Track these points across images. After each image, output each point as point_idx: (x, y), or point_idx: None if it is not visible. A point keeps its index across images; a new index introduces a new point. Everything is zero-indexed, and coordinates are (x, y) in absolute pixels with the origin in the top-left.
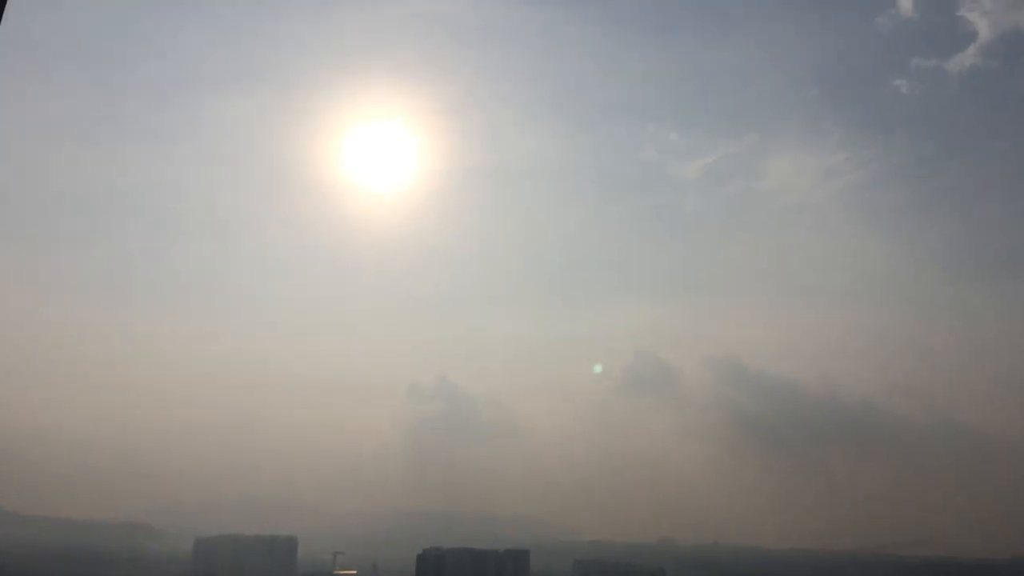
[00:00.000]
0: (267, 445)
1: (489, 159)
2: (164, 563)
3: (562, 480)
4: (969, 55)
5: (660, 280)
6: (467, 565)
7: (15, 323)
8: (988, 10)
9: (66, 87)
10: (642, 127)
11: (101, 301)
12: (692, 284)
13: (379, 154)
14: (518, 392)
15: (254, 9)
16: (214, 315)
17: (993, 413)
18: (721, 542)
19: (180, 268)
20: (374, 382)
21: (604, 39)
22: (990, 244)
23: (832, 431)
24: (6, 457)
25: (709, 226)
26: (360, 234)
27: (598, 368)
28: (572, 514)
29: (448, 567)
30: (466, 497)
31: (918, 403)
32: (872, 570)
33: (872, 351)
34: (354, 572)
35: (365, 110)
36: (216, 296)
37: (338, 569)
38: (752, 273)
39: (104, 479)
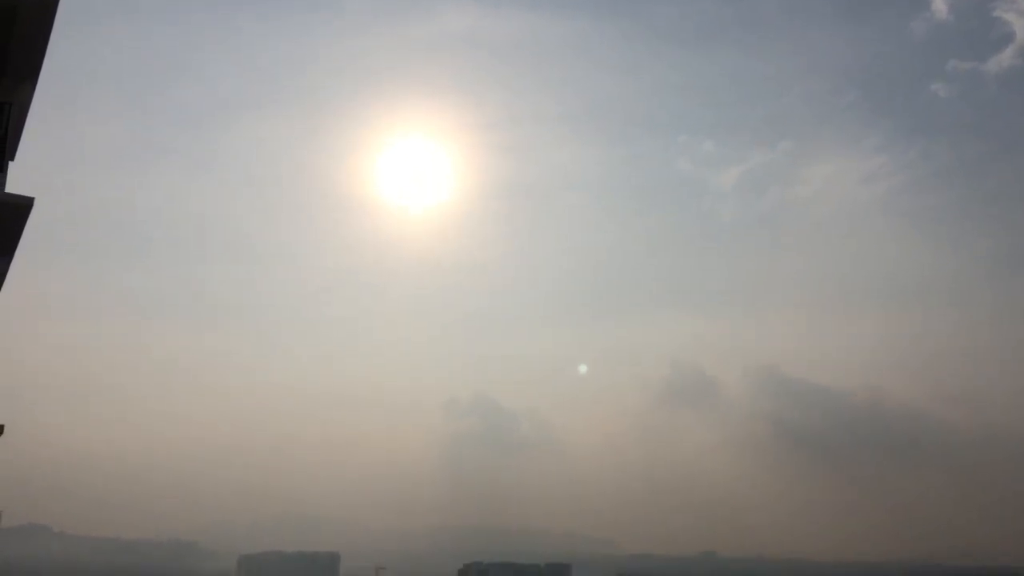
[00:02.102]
0: (308, 463)
1: (524, 174)
2: None
3: (602, 493)
4: (1007, 56)
5: (698, 291)
6: None
7: (60, 346)
8: None
9: (99, 111)
10: (676, 138)
11: (138, 322)
12: (730, 294)
13: (413, 172)
14: (557, 406)
15: (285, 31)
16: (253, 337)
17: None
18: (765, 555)
19: (217, 288)
20: (412, 399)
21: (637, 51)
22: None
23: (877, 440)
24: (56, 479)
25: (746, 235)
26: (396, 252)
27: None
28: (612, 527)
29: None
30: (506, 512)
31: (965, 410)
32: None
33: (916, 358)
34: None
35: (398, 128)
36: (255, 318)
37: None
38: (791, 281)
39: (151, 499)
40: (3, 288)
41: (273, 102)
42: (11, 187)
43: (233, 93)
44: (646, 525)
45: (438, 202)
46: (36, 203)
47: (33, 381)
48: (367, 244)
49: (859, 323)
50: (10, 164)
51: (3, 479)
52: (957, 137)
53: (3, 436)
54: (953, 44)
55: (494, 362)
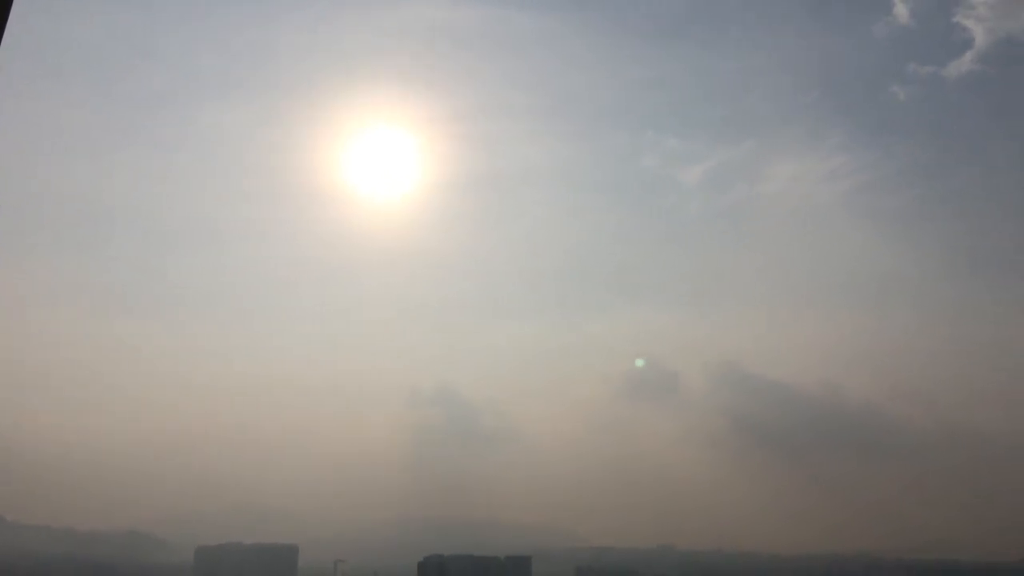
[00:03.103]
0: (267, 453)
1: (490, 166)
2: (167, 573)
3: (564, 486)
4: (966, 61)
5: (662, 285)
6: (469, 572)
7: (15, 332)
8: (983, 17)
9: (63, 94)
10: (642, 133)
11: (100, 310)
12: (694, 289)
13: (380, 161)
14: (519, 398)
15: (253, 16)
16: (214, 323)
17: (995, 415)
18: (723, 548)
19: (179, 276)
20: (375, 389)
21: (605, 45)
22: (990, 246)
23: (835, 435)
24: (8, 467)
25: (711, 231)
26: (361, 241)
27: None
28: (574, 520)
29: (450, 574)
30: (467, 504)
31: (920, 406)
32: (876, 573)
33: (874, 355)
34: None
35: (365, 117)
36: (216, 304)
37: None
38: (754, 277)
39: (106, 489)
40: None
41: (240, 89)
42: None
43: (200, 79)
44: (607, 518)
45: (404, 192)
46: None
47: None
48: (332, 233)
49: (819, 320)
50: None
51: None
52: (916, 139)
53: None
54: (913, 48)
55: (458, 353)
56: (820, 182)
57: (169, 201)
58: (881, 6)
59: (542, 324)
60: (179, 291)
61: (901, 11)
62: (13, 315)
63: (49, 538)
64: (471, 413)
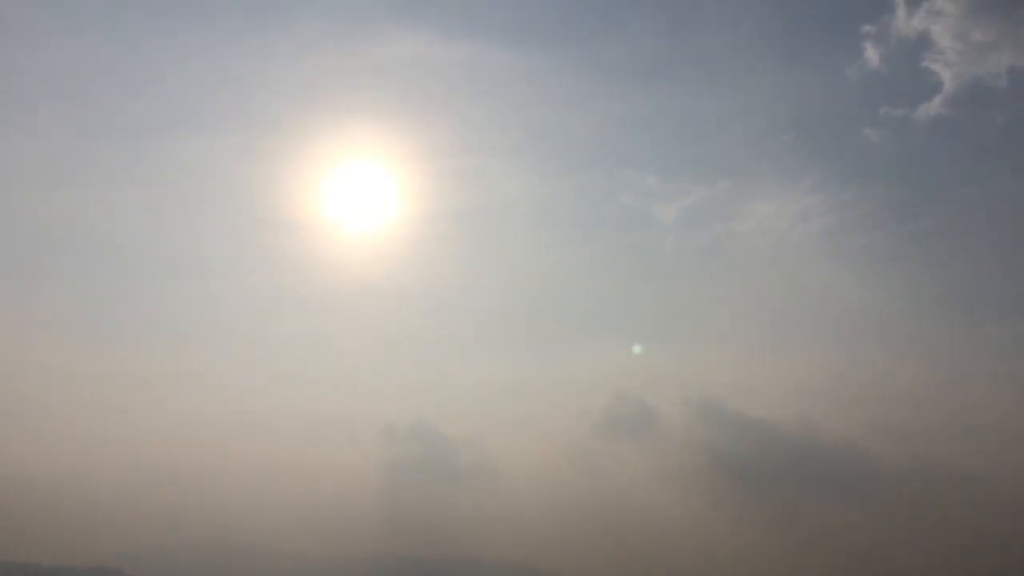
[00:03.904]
0: (238, 489)
1: (467, 202)
2: None
3: (542, 523)
4: (935, 105)
5: (639, 322)
6: None
7: None
8: (952, 62)
9: (40, 124)
10: (621, 172)
11: (72, 342)
12: (671, 326)
13: (357, 197)
14: (496, 434)
15: (234, 49)
16: (187, 355)
17: (965, 449)
18: None
19: (152, 307)
20: (349, 423)
21: (584, 83)
22: (960, 285)
23: (811, 472)
24: None
25: (687, 268)
26: (337, 275)
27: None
28: (553, 558)
29: None
30: (445, 541)
31: (894, 442)
32: None
33: (848, 392)
34: None
35: (345, 151)
36: (189, 336)
37: None
38: (730, 314)
39: (72, 523)
40: None
41: (219, 122)
42: None
43: (180, 111)
44: (587, 555)
45: (382, 227)
46: None
47: None
48: (308, 265)
49: (795, 356)
50: None
51: None
52: (888, 180)
53: None
54: (885, 91)
55: (434, 389)
56: (795, 221)
57: (145, 232)
58: (852, 51)
59: (519, 359)
60: (151, 322)
61: (872, 55)
62: None
63: (12, 574)
64: (447, 449)
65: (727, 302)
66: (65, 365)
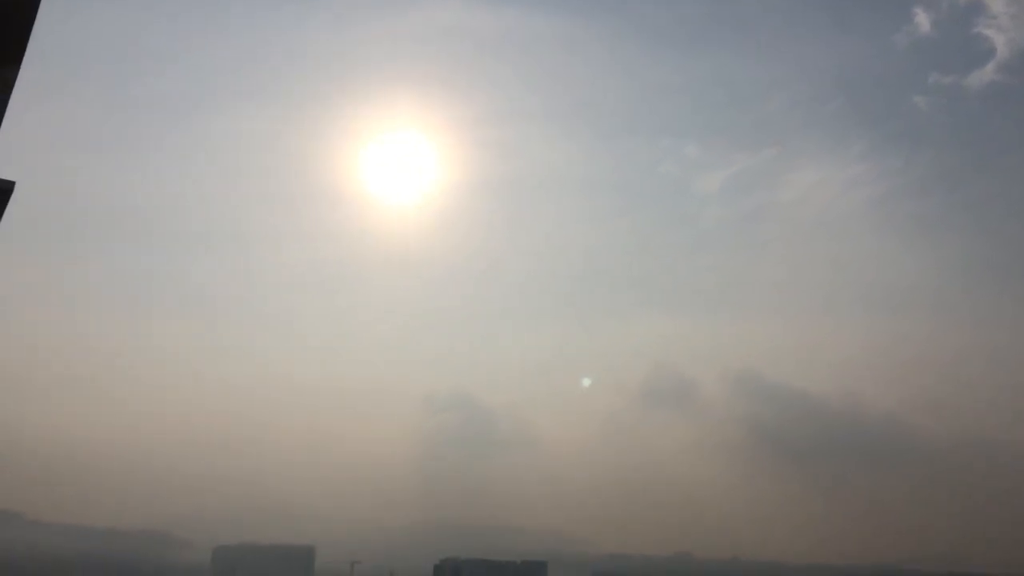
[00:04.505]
0: (284, 456)
1: (506, 171)
2: (184, 571)
3: (579, 492)
4: (988, 72)
5: (679, 293)
6: None
7: (37, 335)
8: (1005, 27)
9: (83, 97)
10: (660, 139)
11: (119, 313)
12: (711, 297)
13: (396, 166)
14: (535, 404)
15: (271, 22)
16: (232, 326)
17: (1015, 426)
18: (740, 557)
19: (198, 281)
20: (390, 393)
21: (625, 51)
22: (1010, 255)
23: (854, 445)
24: (28, 466)
25: (729, 238)
26: (377, 245)
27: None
28: (589, 526)
29: None
30: (482, 508)
31: (940, 416)
32: None
33: (894, 364)
34: None
35: (383, 121)
36: (233, 306)
37: None
38: (773, 285)
39: (124, 488)
40: None
41: (259, 94)
42: None
43: (219, 84)
44: (622, 525)
45: (421, 197)
46: (17, 188)
47: (6, 370)
48: (348, 236)
49: (838, 328)
50: None
51: None
52: (938, 148)
53: None
54: (935, 57)
55: (473, 359)
56: (841, 190)
57: (186, 205)
58: (902, 16)
59: (557, 330)
60: (197, 294)
61: (922, 20)
62: (36, 319)
63: (67, 536)
64: (486, 418)
65: (770, 272)
66: (114, 337)
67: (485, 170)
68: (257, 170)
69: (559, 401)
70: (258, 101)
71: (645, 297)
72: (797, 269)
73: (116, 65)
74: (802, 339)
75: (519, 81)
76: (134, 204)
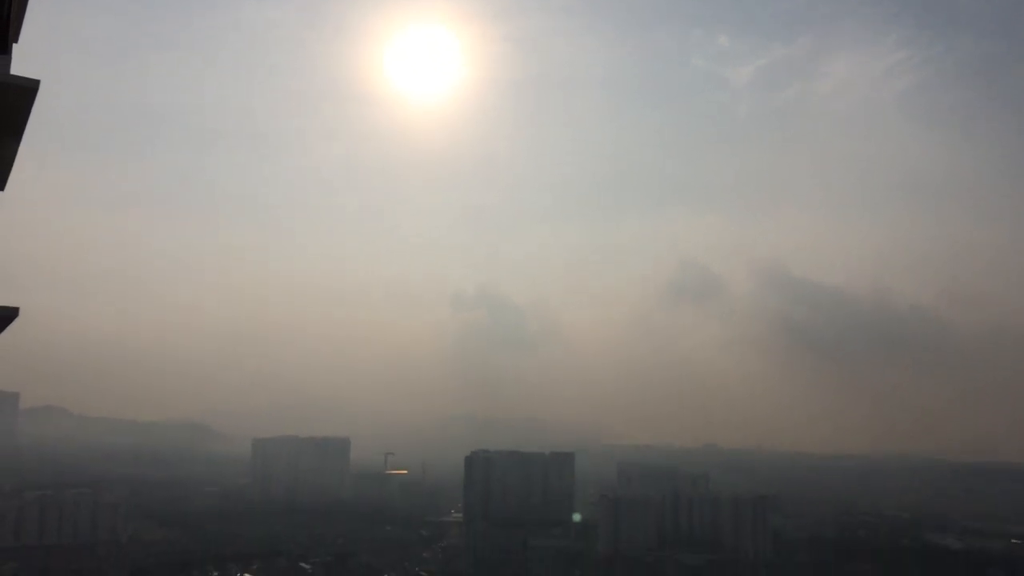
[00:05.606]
0: (318, 351)
1: (532, 67)
2: (224, 463)
3: (607, 386)
4: None
5: (708, 188)
6: (514, 467)
7: (72, 236)
8: None
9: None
10: (690, 31)
11: (153, 215)
12: (741, 192)
13: (421, 63)
14: (561, 300)
15: None
16: (260, 225)
17: None
18: (764, 447)
19: (228, 181)
20: (419, 290)
21: None
22: None
23: (883, 339)
24: (73, 363)
25: (760, 132)
26: (404, 144)
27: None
28: (617, 419)
29: (496, 469)
30: (512, 402)
31: (972, 310)
32: (919, 474)
33: (927, 258)
34: (405, 471)
35: (407, 15)
36: (261, 206)
37: (389, 469)
38: (805, 179)
39: (165, 384)
40: (11, 176)
41: None
42: (15, 70)
43: None
44: (649, 417)
45: (446, 94)
46: (41, 88)
47: (47, 269)
48: (376, 136)
49: (872, 222)
50: (14, 47)
51: (20, 363)
52: (981, 33)
53: (19, 321)
54: None
55: (501, 256)
56: (878, 80)
57: (209, 104)
58: None
59: (584, 227)
60: (225, 193)
61: None
62: (65, 217)
63: (111, 429)
64: (514, 315)
65: (802, 167)
66: (152, 238)
67: (511, 66)
68: (278, 68)
69: (586, 298)
70: None
71: (673, 194)
72: (830, 162)
73: None
74: (834, 234)
75: None
76: (156, 104)
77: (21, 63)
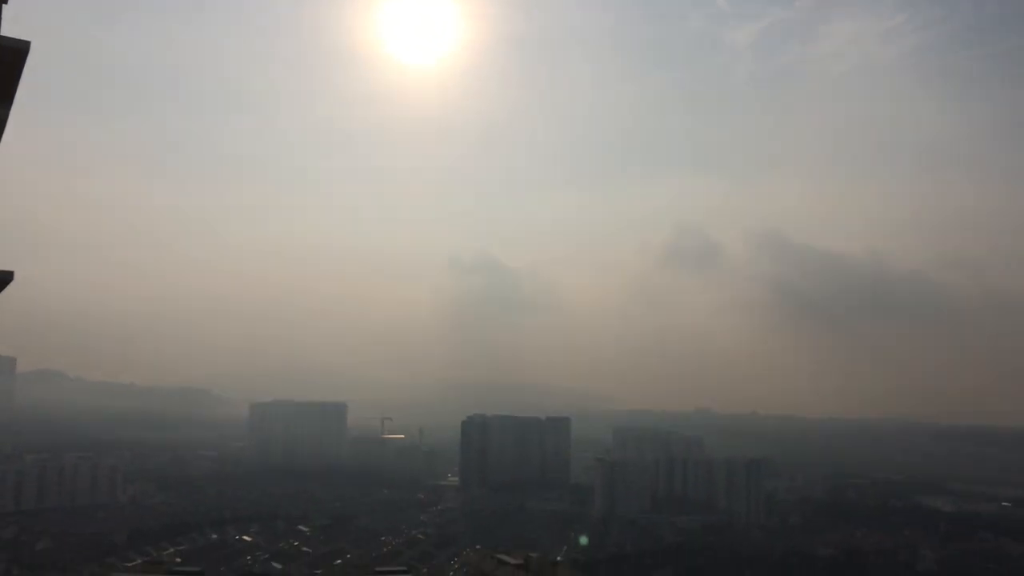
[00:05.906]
0: (315, 317)
1: (529, 27)
2: (223, 426)
3: (603, 351)
4: None
5: (705, 152)
6: (511, 431)
7: (66, 198)
8: None
9: None
10: None
11: (146, 177)
12: (738, 156)
13: (415, 24)
14: (558, 266)
15: None
16: (260, 189)
17: None
18: (759, 411)
19: (221, 142)
20: (415, 255)
21: None
22: None
23: (878, 303)
24: (70, 327)
25: (759, 95)
26: (398, 107)
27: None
28: (612, 384)
29: (492, 433)
30: (508, 367)
31: (968, 274)
32: (912, 437)
33: (924, 222)
34: (401, 436)
35: None
36: (255, 170)
37: (386, 433)
38: (803, 143)
39: (164, 348)
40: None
41: None
42: (5, 30)
43: None
44: (645, 382)
45: (441, 56)
46: (31, 48)
47: (41, 232)
48: (369, 98)
49: (868, 187)
50: (3, 7)
51: (16, 327)
52: None
53: (14, 285)
54: None
55: (497, 221)
56: (878, 42)
57: (201, 64)
58: None
59: (581, 192)
60: (218, 154)
61: None
62: (58, 179)
63: (110, 393)
64: (511, 280)
65: (800, 130)
66: (147, 201)
67: (507, 26)
68: (268, 29)
69: (582, 262)
70: None
71: (671, 157)
72: (828, 126)
73: None
74: (830, 199)
75: None
76: (147, 65)
77: (8, 20)
